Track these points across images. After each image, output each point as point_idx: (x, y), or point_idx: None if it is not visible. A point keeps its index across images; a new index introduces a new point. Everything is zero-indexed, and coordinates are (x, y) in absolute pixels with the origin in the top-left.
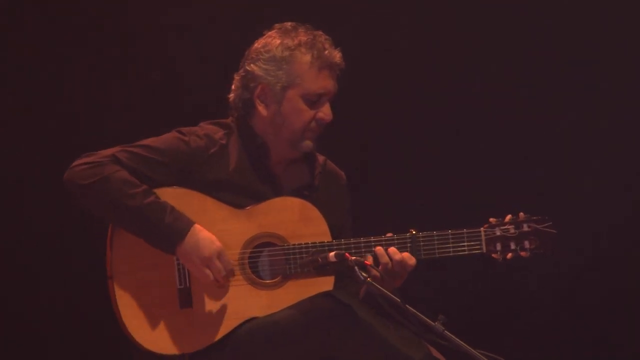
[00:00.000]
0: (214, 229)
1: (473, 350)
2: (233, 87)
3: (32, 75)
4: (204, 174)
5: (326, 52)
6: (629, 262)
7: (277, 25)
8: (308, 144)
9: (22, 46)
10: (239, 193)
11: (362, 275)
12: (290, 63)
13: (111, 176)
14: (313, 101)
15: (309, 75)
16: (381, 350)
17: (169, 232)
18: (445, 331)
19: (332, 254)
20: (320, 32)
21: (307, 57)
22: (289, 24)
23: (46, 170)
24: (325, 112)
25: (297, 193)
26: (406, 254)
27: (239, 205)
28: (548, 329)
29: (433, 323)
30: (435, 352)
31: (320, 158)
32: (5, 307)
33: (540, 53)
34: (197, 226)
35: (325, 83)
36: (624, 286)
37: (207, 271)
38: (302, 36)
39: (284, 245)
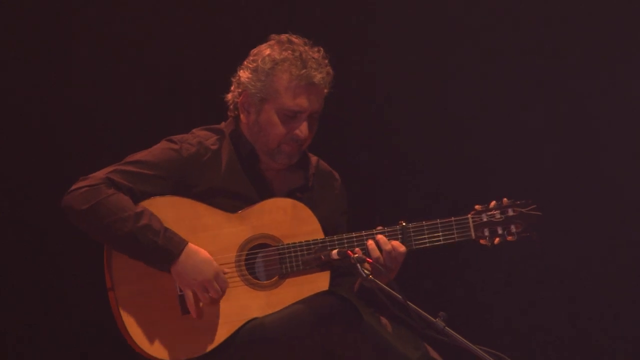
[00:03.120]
0: (208, 234)
1: (473, 347)
2: (231, 87)
3: (35, 76)
4: (199, 181)
5: (304, 71)
6: (627, 259)
7: (274, 36)
8: (283, 160)
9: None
10: (232, 198)
11: (365, 272)
12: (270, 76)
13: (104, 201)
14: (289, 117)
15: (285, 92)
16: (380, 348)
17: (162, 253)
18: (446, 327)
19: (334, 251)
20: (315, 50)
21: (286, 74)
22: (286, 36)
23: (45, 180)
24: (300, 129)
25: (290, 196)
26: (395, 242)
27: (232, 210)
28: (549, 326)
29: (434, 319)
30: (432, 352)
31: (313, 159)
32: (8, 320)
33: (528, 47)
34: (191, 246)
35: (301, 101)
36: (624, 285)
37: (205, 294)
38: (290, 51)
39: (278, 246)
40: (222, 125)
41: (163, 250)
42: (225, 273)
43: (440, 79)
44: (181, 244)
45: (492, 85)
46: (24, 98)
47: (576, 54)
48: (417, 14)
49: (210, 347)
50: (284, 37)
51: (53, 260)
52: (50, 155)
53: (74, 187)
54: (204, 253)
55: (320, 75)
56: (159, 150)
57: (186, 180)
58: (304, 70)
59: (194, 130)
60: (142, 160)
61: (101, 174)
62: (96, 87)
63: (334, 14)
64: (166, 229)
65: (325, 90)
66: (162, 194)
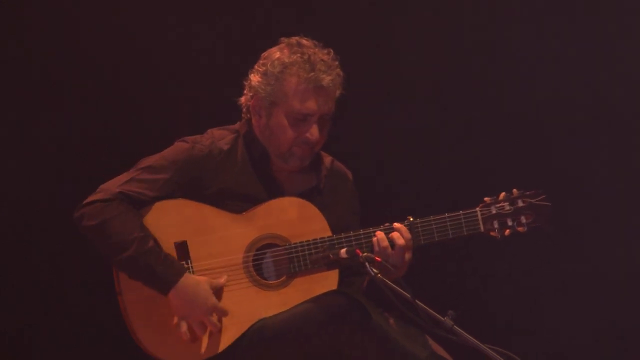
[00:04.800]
0: (215, 236)
1: (482, 346)
2: (244, 91)
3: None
4: (211, 183)
5: (312, 74)
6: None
7: (284, 39)
8: (295, 163)
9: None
10: (243, 200)
11: (373, 271)
12: (279, 80)
13: (112, 220)
14: (299, 120)
15: (294, 95)
16: (388, 347)
17: (159, 281)
18: (455, 326)
19: (343, 250)
20: (325, 52)
21: (295, 78)
22: (296, 38)
23: (45, 181)
24: (311, 132)
25: (301, 197)
26: (402, 228)
27: (241, 211)
28: (555, 324)
29: (442, 318)
30: (441, 351)
31: (327, 159)
32: (8, 320)
33: (529, 46)
34: (189, 278)
35: (310, 104)
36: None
37: (201, 327)
38: (299, 54)
39: (286, 245)
40: (237, 125)
41: (159, 278)
42: (231, 280)
43: (441, 79)
44: (179, 274)
45: (493, 84)
46: (23, 97)
47: (575, 53)
48: (417, 13)
49: (219, 349)
50: (293, 39)
51: (53, 260)
52: (50, 156)
53: (87, 200)
54: (203, 287)
55: (329, 77)
56: (171, 152)
57: (198, 181)
58: (312, 73)
59: (209, 130)
60: (154, 165)
61: (115, 186)
62: (96, 87)
63: (334, 13)
64: (167, 256)
65: (337, 92)
66: (173, 196)
